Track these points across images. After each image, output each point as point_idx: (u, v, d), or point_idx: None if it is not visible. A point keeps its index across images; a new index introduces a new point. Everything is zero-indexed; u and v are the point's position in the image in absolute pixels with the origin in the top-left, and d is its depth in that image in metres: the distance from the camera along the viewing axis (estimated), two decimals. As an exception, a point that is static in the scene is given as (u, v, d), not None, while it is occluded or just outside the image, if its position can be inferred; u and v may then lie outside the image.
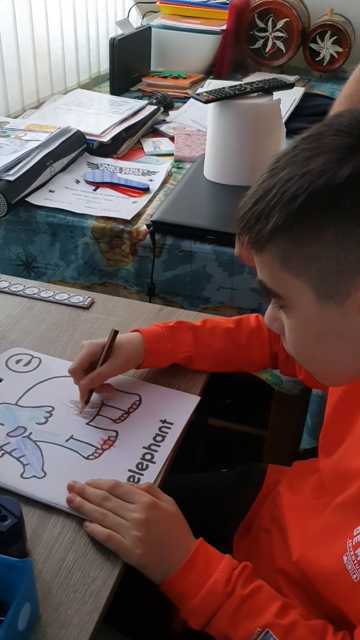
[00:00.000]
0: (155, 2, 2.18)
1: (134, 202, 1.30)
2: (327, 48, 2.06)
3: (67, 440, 0.79)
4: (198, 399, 0.87)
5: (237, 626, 0.63)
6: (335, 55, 2.06)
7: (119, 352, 0.85)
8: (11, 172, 1.25)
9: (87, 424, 0.82)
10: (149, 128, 1.66)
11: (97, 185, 1.36)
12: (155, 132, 1.67)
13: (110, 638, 0.82)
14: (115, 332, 0.85)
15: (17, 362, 0.91)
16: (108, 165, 1.45)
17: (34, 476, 0.73)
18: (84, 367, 0.84)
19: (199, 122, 1.69)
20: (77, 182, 1.37)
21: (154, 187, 1.36)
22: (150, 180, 1.39)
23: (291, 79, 1.59)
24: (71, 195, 1.31)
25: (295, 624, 0.62)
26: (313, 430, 1.18)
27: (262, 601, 0.64)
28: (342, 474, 0.66)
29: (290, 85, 1.34)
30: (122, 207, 1.28)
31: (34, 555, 0.65)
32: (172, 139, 1.60)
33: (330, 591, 0.64)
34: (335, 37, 2.03)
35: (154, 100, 1.75)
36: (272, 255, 0.58)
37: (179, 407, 0.85)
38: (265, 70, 2.13)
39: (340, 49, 2.04)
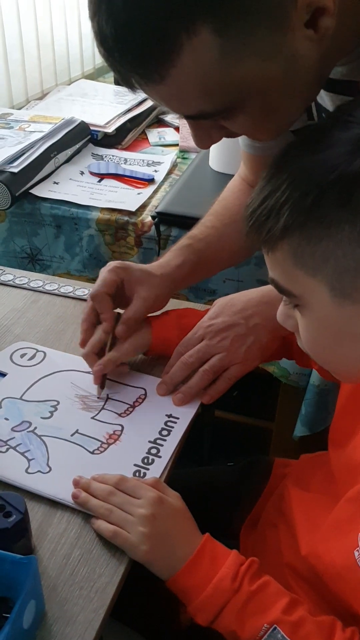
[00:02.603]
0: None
1: (138, 194, 1.29)
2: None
3: (72, 435, 0.78)
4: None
5: (244, 623, 0.62)
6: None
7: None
8: (15, 163, 1.25)
9: (92, 418, 0.81)
10: (154, 118, 1.64)
11: (102, 176, 1.36)
12: (160, 123, 1.65)
13: (117, 632, 0.82)
14: (118, 315, 0.85)
15: (22, 356, 0.91)
16: (112, 156, 1.44)
17: (39, 471, 0.73)
18: (95, 351, 0.84)
19: (204, 111, 1.67)
20: (82, 173, 1.36)
21: (159, 178, 1.35)
22: (155, 171, 1.38)
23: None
24: (75, 186, 1.31)
25: (303, 620, 0.62)
26: (307, 419, 1.19)
27: (270, 597, 0.63)
28: (354, 467, 0.65)
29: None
30: (126, 198, 1.27)
31: (39, 551, 0.65)
32: (177, 129, 1.58)
33: (339, 586, 0.64)
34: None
35: (159, 90, 1.73)
36: (284, 254, 0.57)
37: (185, 401, 0.84)
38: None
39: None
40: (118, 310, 0.87)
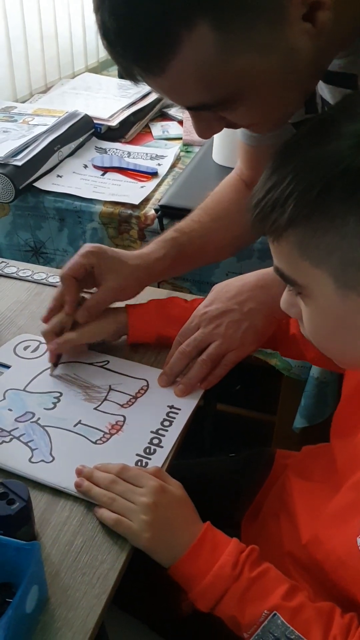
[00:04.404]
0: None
1: (142, 187, 1.29)
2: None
3: (75, 425, 0.79)
4: (205, 384, 0.87)
5: (244, 609, 0.63)
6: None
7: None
8: (19, 157, 1.25)
9: (94, 408, 0.82)
10: (158, 112, 1.64)
11: (105, 169, 1.36)
12: (163, 116, 1.65)
13: (119, 620, 0.83)
14: (82, 299, 0.87)
15: (25, 348, 0.92)
16: (116, 149, 1.45)
17: (42, 460, 0.74)
18: (54, 331, 0.87)
19: (207, 105, 1.67)
20: (85, 166, 1.37)
21: (162, 171, 1.35)
22: (159, 164, 1.38)
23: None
24: (79, 180, 1.31)
25: (303, 606, 0.62)
26: (305, 411, 1.19)
27: (270, 584, 0.64)
28: (358, 455, 0.66)
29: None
30: (130, 191, 1.27)
31: (42, 538, 0.66)
32: (180, 122, 1.58)
33: (340, 573, 0.65)
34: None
35: (163, 84, 1.73)
36: (290, 244, 0.57)
37: (187, 392, 0.85)
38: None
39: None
40: (86, 293, 0.89)
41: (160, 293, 1.05)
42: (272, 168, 0.58)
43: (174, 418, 0.81)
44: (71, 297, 0.86)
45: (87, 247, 0.87)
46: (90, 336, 0.89)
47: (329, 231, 0.54)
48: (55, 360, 0.87)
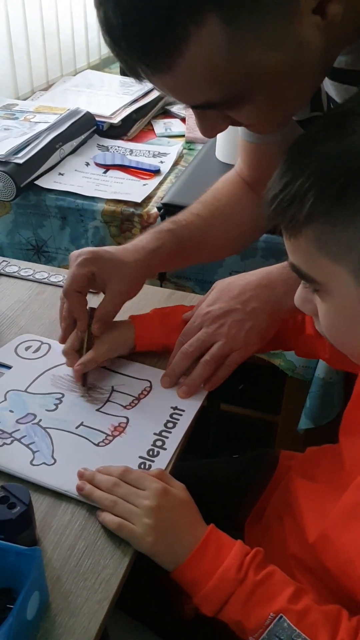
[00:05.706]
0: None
1: (144, 185, 1.28)
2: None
3: (77, 427, 0.78)
4: (209, 385, 0.86)
5: (250, 612, 0.62)
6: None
7: (106, 337, 0.86)
8: (20, 154, 1.24)
9: (97, 410, 0.81)
10: (160, 109, 1.64)
11: (107, 167, 1.35)
12: (166, 113, 1.65)
13: (121, 623, 0.82)
14: (92, 310, 0.85)
15: (27, 348, 0.91)
16: (118, 147, 1.44)
17: (44, 463, 0.73)
18: (74, 349, 0.85)
19: (210, 102, 1.66)
20: (87, 164, 1.36)
21: (164, 169, 1.35)
22: (161, 162, 1.37)
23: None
24: (81, 178, 1.30)
25: (309, 609, 0.61)
26: (311, 412, 1.19)
27: (275, 587, 0.63)
28: None
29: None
30: (132, 189, 1.26)
31: (43, 542, 0.65)
32: (183, 120, 1.57)
33: (347, 574, 0.64)
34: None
35: (165, 81, 1.72)
36: (307, 240, 0.56)
37: (190, 393, 0.84)
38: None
39: None
40: (94, 302, 0.87)
41: (163, 293, 1.04)
42: (289, 162, 0.56)
43: (178, 420, 0.80)
44: (80, 312, 0.84)
45: (83, 254, 0.84)
46: (111, 352, 0.87)
47: (349, 226, 0.53)
48: (83, 380, 0.85)
